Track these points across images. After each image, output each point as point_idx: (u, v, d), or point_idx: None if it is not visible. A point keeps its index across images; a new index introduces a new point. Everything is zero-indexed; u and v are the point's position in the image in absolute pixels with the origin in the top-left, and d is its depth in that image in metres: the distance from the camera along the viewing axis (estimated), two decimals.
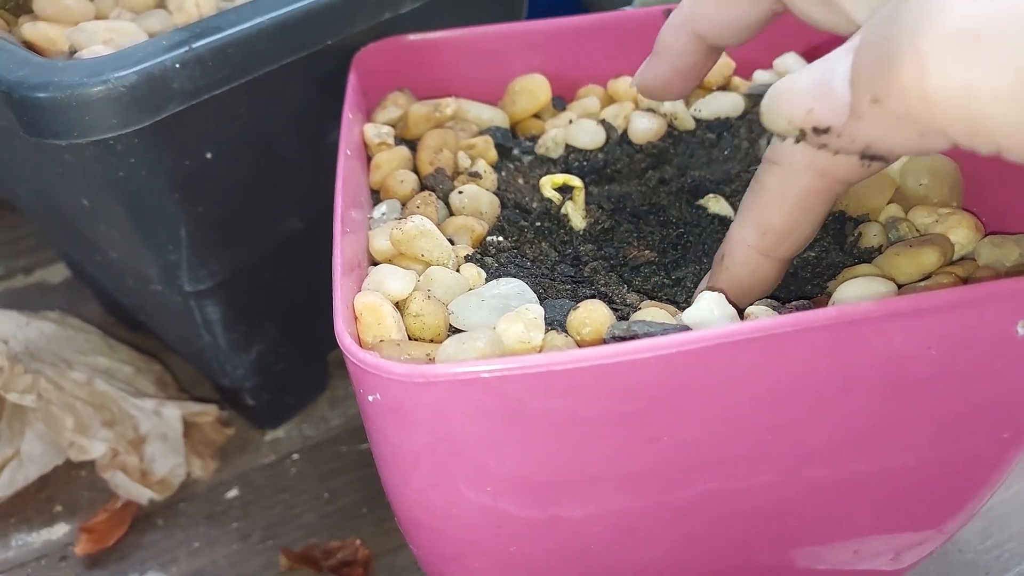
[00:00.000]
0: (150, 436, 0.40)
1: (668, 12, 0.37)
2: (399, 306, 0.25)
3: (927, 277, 0.26)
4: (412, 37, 0.36)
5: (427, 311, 0.24)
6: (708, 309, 0.24)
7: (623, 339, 0.23)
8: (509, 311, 0.24)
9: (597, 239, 0.33)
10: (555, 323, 0.25)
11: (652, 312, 0.25)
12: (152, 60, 0.27)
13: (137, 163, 0.30)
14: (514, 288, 0.26)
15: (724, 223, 0.33)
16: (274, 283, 0.38)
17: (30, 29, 0.34)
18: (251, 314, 0.38)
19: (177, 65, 0.28)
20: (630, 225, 0.33)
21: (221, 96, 0.30)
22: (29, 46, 0.34)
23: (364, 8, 0.33)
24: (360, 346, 0.23)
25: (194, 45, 0.28)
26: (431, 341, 0.24)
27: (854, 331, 0.21)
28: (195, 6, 0.34)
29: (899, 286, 0.25)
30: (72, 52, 0.33)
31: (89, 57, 0.29)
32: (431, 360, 0.22)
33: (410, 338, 0.24)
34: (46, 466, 0.41)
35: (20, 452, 0.41)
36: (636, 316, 0.25)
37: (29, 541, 0.40)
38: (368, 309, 0.23)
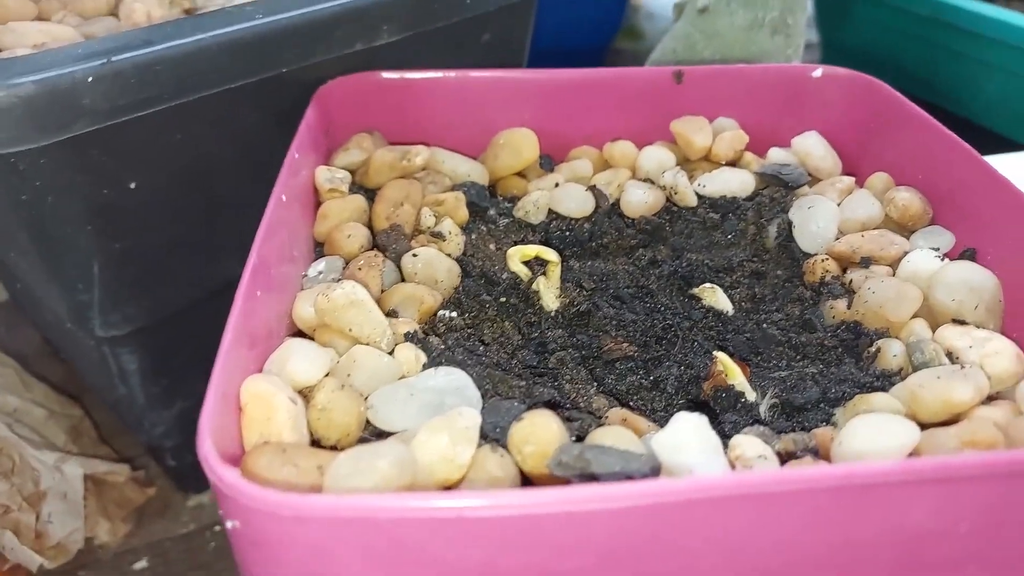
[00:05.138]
0: (50, 493, 0.35)
1: (679, 73, 0.33)
2: (305, 394, 0.20)
3: (955, 418, 0.21)
4: (387, 74, 0.32)
5: (336, 405, 0.20)
6: (685, 434, 0.20)
7: (571, 468, 0.18)
8: (441, 412, 0.20)
9: (570, 323, 0.28)
10: (496, 431, 0.20)
11: (616, 433, 0.20)
12: (58, 70, 0.23)
13: (43, 186, 0.26)
14: (454, 381, 0.22)
15: (719, 318, 0.28)
16: (204, 334, 0.33)
17: None
18: (175, 367, 0.34)
19: (90, 79, 0.24)
20: (611, 310, 0.28)
21: (149, 118, 0.26)
22: None
23: (330, 35, 0.29)
24: (240, 447, 0.18)
25: (114, 58, 0.24)
26: (333, 447, 0.19)
27: (864, 496, 0.17)
28: (145, 15, 0.30)
29: (922, 426, 0.21)
30: None
31: None
32: (320, 475, 0.17)
33: (312, 438, 0.19)
34: None
35: None
36: (595, 435, 0.20)
37: None
38: (255, 399, 0.18)
